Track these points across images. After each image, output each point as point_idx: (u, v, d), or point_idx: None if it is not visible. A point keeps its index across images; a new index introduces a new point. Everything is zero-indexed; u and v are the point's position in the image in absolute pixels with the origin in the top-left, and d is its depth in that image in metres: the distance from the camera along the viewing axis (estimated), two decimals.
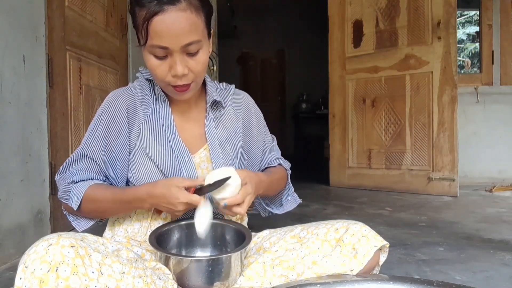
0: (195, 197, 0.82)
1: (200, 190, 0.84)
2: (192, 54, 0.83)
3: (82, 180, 0.90)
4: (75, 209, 0.88)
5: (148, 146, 0.92)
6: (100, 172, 0.92)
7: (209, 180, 0.83)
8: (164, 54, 0.82)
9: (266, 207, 1.11)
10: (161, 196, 0.82)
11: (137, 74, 1.00)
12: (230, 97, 1.04)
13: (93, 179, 0.91)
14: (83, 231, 0.88)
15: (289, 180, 1.13)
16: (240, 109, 1.05)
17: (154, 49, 0.81)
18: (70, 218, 0.95)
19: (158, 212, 0.92)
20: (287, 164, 1.13)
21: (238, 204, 0.84)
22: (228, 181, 0.82)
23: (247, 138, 1.05)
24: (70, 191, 0.89)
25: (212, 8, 0.89)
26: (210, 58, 0.95)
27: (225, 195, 0.82)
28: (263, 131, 1.10)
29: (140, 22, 0.81)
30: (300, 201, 1.16)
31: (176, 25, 0.79)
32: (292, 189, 1.15)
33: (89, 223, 0.95)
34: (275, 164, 1.11)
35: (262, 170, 1.10)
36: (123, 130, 0.92)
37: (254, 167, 1.08)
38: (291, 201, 1.13)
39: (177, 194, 0.81)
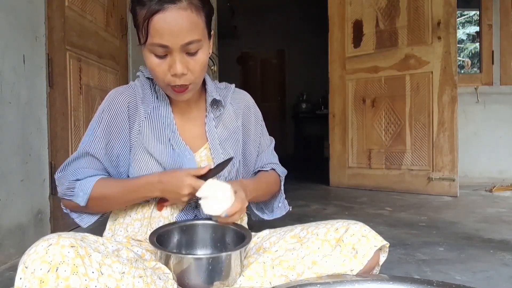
0: (200, 182, 0.84)
1: (203, 177, 0.87)
2: (191, 54, 0.84)
3: (86, 177, 0.90)
4: (82, 205, 0.88)
5: (149, 144, 0.92)
6: (103, 170, 0.92)
7: (204, 194, 0.84)
8: (164, 53, 0.82)
9: (256, 211, 1.11)
10: (171, 180, 0.86)
11: (138, 73, 1.01)
12: (230, 96, 1.05)
13: (97, 176, 0.91)
14: (90, 228, 0.89)
15: (282, 187, 1.14)
16: (240, 107, 1.05)
17: (154, 48, 0.82)
18: (73, 215, 0.94)
19: (159, 208, 0.92)
20: (282, 171, 1.13)
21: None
22: (222, 193, 0.84)
23: (245, 137, 1.05)
24: (75, 187, 0.88)
25: (213, 9, 0.90)
26: (210, 58, 0.95)
27: (225, 207, 0.84)
28: (259, 131, 1.10)
29: (141, 21, 0.81)
30: (290, 208, 1.16)
31: (177, 23, 0.79)
32: (284, 196, 1.15)
33: (93, 219, 0.95)
34: (268, 169, 1.11)
35: (254, 173, 1.10)
36: (124, 127, 0.92)
37: (249, 167, 1.08)
38: (281, 208, 1.14)
39: (185, 177, 0.85)
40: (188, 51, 0.83)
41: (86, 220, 0.94)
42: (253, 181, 1.02)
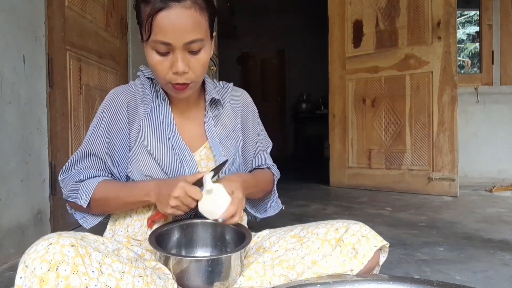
0: (193, 188, 0.82)
1: (197, 183, 0.85)
2: (194, 53, 0.85)
3: (90, 178, 0.91)
4: (84, 207, 0.88)
5: (148, 143, 0.92)
6: (106, 169, 0.93)
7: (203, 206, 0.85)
8: (167, 50, 0.83)
9: (249, 209, 1.12)
10: (166, 184, 0.85)
11: (138, 73, 1.01)
12: (229, 94, 1.05)
13: (100, 176, 0.92)
14: (91, 228, 0.90)
15: (275, 187, 1.15)
16: (238, 106, 1.06)
17: (157, 45, 0.83)
18: (77, 216, 0.95)
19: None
20: (277, 172, 1.15)
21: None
22: (218, 198, 0.84)
23: (244, 135, 1.06)
24: (78, 189, 0.89)
25: (216, 10, 0.90)
26: (211, 59, 0.95)
27: (219, 212, 0.85)
28: (256, 129, 1.11)
29: (145, 18, 0.82)
30: (283, 207, 1.17)
31: (180, 21, 0.80)
32: (277, 195, 1.17)
33: (97, 220, 0.96)
34: (264, 167, 1.13)
35: (250, 171, 1.11)
36: (124, 126, 0.93)
37: (246, 165, 1.09)
38: (274, 206, 1.15)
39: (180, 180, 0.83)
40: (191, 49, 0.84)
41: (90, 222, 0.95)
42: (252, 176, 1.03)
